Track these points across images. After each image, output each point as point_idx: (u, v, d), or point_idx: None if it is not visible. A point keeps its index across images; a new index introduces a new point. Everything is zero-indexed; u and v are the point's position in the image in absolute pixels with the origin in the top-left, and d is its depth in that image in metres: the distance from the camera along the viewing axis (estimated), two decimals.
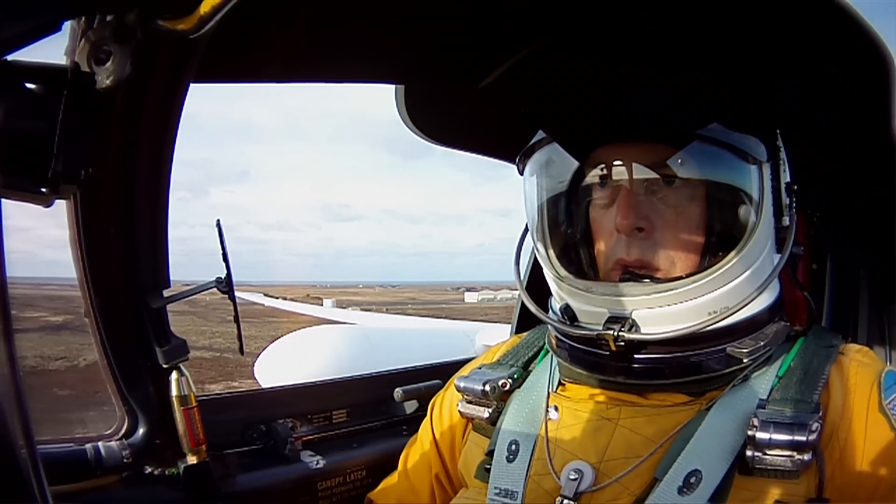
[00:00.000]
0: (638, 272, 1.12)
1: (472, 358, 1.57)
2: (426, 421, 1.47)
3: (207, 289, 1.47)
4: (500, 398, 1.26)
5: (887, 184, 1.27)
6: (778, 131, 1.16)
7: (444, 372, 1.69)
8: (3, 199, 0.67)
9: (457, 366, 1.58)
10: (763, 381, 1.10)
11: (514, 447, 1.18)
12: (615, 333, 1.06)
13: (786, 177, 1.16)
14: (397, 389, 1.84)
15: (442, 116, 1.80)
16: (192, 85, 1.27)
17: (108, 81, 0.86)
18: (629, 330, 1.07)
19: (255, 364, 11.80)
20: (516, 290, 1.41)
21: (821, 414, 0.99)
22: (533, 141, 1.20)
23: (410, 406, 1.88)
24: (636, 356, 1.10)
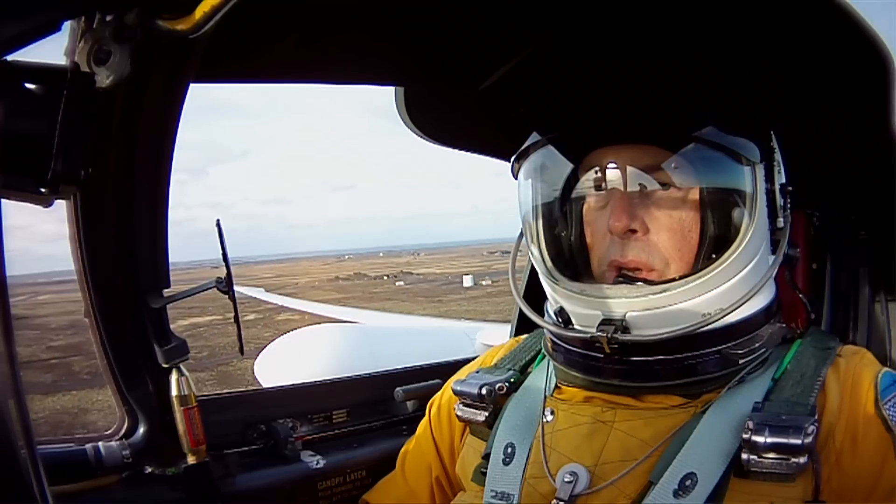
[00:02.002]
0: (632, 274, 1.12)
1: (473, 358, 1.57)
2: (424, 423, 1.47)
3: (207, 289, 1.47)
4: (496, 401, 1.26)
5: (887, 184, 1.26)
6: (772, 132, 1.16)
7: (444, 372, 1.69)
8: (3, 200, 0.68)
9: (457, 366, 1.57)
10: (759, 384, 1.10)
11: (510, 450, 1.18)
12: (608, 335, 1.06)
13: (780, 178, 1.15)
14: (397, 389, 1.84)
15: (441, 117, 1.80)
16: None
17: (108, 81, 0.86)
18: (623, 332, 1.07)
19: (255, 363, 11.79)
20: None
21: (816, 417, 0.99)
22: (527, 143, 1.20)
23: (411, 406, 1.88)
24: (631, 358, 1.10)
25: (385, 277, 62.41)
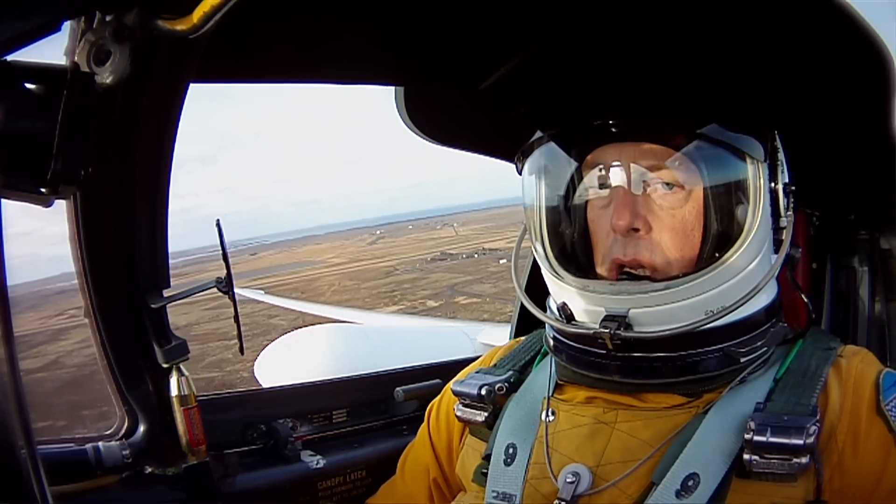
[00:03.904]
0: (635, 271, 1.12)
1: (474, 358, 1.57)
2: (423, 426, 1.47)
3: (207, 289, 1.47)
4: (496, 402, 1.26)
5: (887, 184, 1.27)
6: (776, 132, 1.16)
7: (444, 372, 1.69)
8: (3, 200, 0.68)
9: (457, 365, 1.57)
10: (761, 384, 1.10)
11: (511, 451, 1.17)
12: (611, 332, 1.06)
13: (784, 177, 1.15)
14: (397, 389, 1.84)
15: (442, 117, 1.80)
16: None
17: (108, 81, 0.86)
18: (625, 328, 1.07)
19: (255, 364, 11.79)
20: None
21: (818, 417, 0.99)
22: (532, 140, 1.20)
23: (411, 405, 1.88)
24: (633, 355, 1.10)
25: (475, 256, 57.09)
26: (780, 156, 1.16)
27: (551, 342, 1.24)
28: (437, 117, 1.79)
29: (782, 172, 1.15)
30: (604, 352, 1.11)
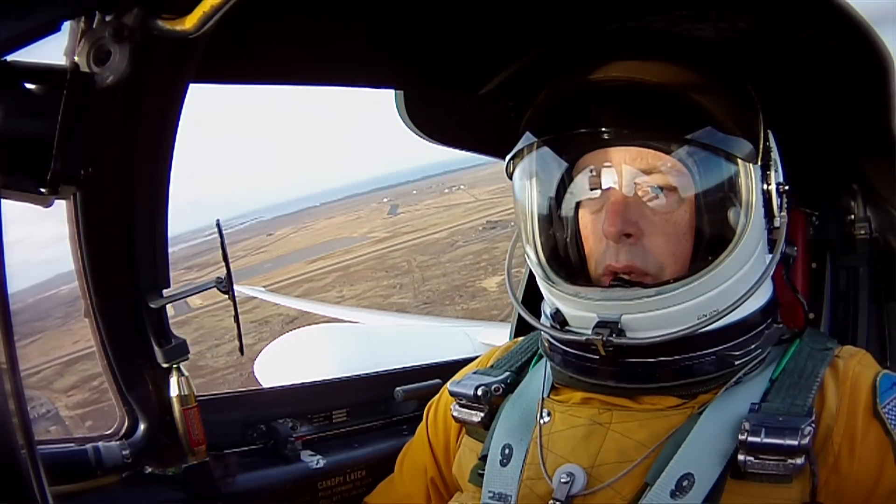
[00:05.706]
0: (627, 278, 1.11)
1: (473, 358, 1.57)
2: (422, 426, 1.47)
3: (207, 289, 1.47)
4: (492, 402, 1.26)
5: (887, 184, 1.27)
6: (770, 131, 1.15)
7: (444, 372, 1.69)
8: (2, 200, 0.68)
9: (456, 365, 1.57)
10: (756, 385, 1.10)
11: (507, 451, 1.17)
12: (604, 338, 1.06)
13: (777, 177, 1.14)
14: (397, 389, 1.84)
15: (442, 118, 1.80)
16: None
17: (107, 81, 0.86)
18: (618, 335, 1.06)
19: (255, 363, 11.79)
20: None
21: (813, 418, 0.99)
22: (522, 144, 1.18)
23: (410, 405, 1.88)
24: (627, 360, 1.10)
25: None
26: (774, 155, 1.14)
27: (547, 346, 1.24)
28: (437, 118, 1.79)
29: (776, 172, 1.14)
30: (597, 357, 1.11)
